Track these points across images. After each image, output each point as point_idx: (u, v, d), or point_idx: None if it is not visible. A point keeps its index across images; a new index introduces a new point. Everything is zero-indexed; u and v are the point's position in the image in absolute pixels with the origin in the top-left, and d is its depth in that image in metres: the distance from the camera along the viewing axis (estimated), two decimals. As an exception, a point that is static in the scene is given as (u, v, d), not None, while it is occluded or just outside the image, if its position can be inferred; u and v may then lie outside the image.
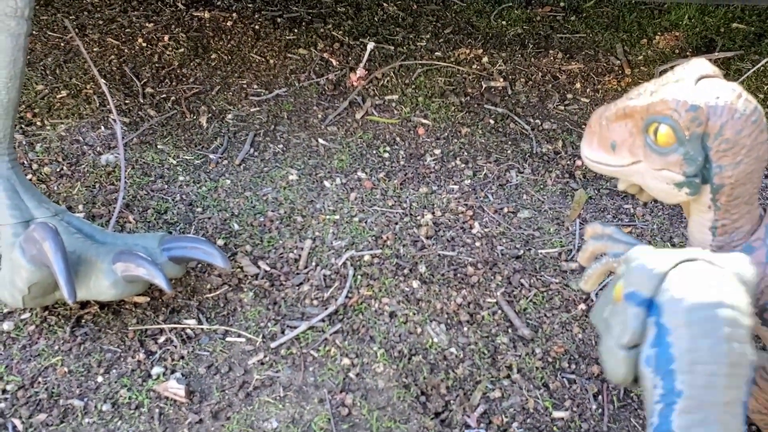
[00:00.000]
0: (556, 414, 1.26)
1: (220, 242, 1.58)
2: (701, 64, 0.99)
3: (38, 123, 1.90)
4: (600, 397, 1.29)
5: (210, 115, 1.99)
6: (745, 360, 0.79)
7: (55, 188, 1.71)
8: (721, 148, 0.95)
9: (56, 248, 1.17)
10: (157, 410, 1.24)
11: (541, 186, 1.82)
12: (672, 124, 0.95)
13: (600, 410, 1.27)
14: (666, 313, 0.80)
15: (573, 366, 1.34)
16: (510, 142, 1.97)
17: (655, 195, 1.03)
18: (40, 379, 1.28)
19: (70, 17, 2.35)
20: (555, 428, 1.24)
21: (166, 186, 1.73)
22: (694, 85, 0.96)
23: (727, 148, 0.95)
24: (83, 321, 1.39)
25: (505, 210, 1.73)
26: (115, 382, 1.28)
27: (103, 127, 1.89)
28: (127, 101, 2.00)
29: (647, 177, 1.01)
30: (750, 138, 0.94)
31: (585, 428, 1.24)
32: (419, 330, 1.42)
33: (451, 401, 1.28)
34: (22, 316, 1.39)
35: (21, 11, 1.26)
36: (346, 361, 1.34)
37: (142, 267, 1.24)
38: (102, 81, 1.92)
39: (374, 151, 1.90)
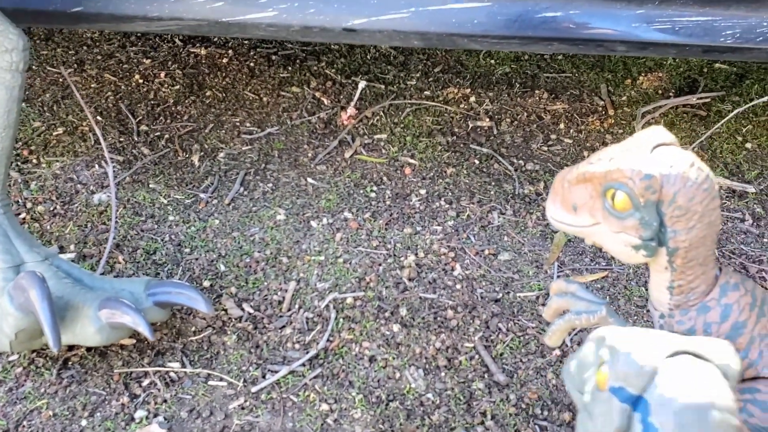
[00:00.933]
0: (526, 462, 1.29)
1: (206, 283, 1.62)
2: (658, 132, 1.04)
3: (34, 160, 1.96)
4: (570, 445, 1.33)
5: (202, 153, 2.04)
6: None
7: (48, 227, 1.75)
8: (674, 214, 0.99)
9: (42, 297, 1.22)
10: (138, 454, 1.28)
11: (522, 228, 1.86)
12: (628, 191, 0.99)
13: (569, 459, 1.30)
14: (655, 413, 0.79)
15: (546, 412, 1.38)
16: (493, 183, 2.01)
17: (615, 255, 1.07)
18: (24, 422, 1.32)
19: (70, 52, 2.41)
20: (524, 477, 1.27)
21: (156, 226, 1.78)
22: (650, 153, 1.00)
23: (681, 214, 0.99)
24: (70, 363, 1.43)
25: (486, 252, 1.78)
26: (99, 426, 1.32)
27: (97, 166, 1.94)
28: (121, 139, 2.05)
29: (606, 238, 1.05)
30: (702, 205, 0.98)
31: (554, 477, 1.27)
32: (398, 375, 1.45)
33: (425, 448, 1.32)
34: (10, 358, 1.43)
35: (16, 65, 1.32)
36: (324, 406, 1.38)
37: (127, 315, 1.28)
38: (93, 123, 1.97)
39: (361, 191, 1.95)
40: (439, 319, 1.58)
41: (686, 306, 1.06)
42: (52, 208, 1.81)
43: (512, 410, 1.38)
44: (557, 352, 1.50)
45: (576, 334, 1.55)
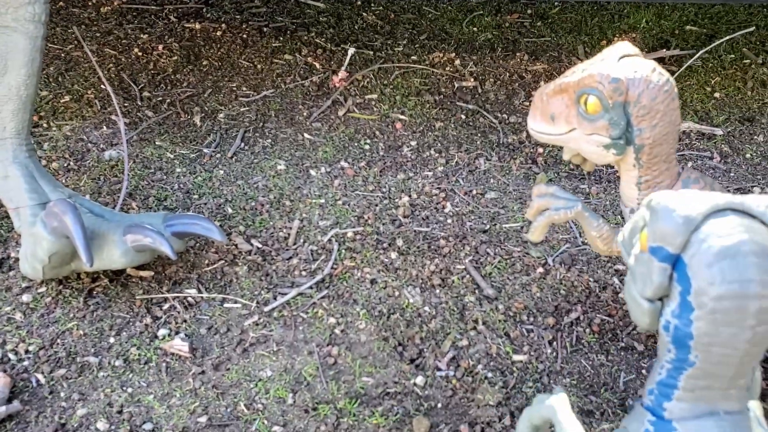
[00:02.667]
0: (516, 357, 1.43)
1: (216, 224, 1.75)
2: (624, 46, 1.18)
3: (44, 125, 2.07)
4: (554, 343, 1.46)
5: (203, 114, 2.17)
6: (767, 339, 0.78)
7: (64, 181, 1.87)
8: (639, 114, 1.13)
9: (75, 219, 1.34)
10: (164, 364, 1.40)
11: (507, 171, 2.00)
12: (598, 94, 1.13)
13: (554, 354, 1.44)
14: (693, 293, 0.78)
15: (531, 318, 1.52)
16: (479, 134, 2.15)
17: (589, 157, 1.21)
18: (58, 341, 1.44)
19: (69, 30, 2.52)
20: (515, 369, 1.41)
21: (165, 177, 1.90)
22: (617, 62, 1.15)
23: (645, 113, 1.13)
24: (95, 292, 1.55)
25: (474, 192, 1.91)
26: (126, 342, 1.44)
27: (105, 127, 2.06)
28: (126, 104, 2.17)
29: (581, 142, 1.19)
30: (663, 104, 1.13)
31: (541, 368, 1.41)
32: (397, 293, 1.58)
33: (425, 350, 1.45)
34: (39, 290, 1.54)
35: (38, 16, 1.44)
36: (332, 320, 1.51)
37: (149, 237, 1.40)
38: (105, 80, 2.08)
39: (356, 144, 2.08)
40: (432, 247, 1.71)
41: (652, 198, 1.20)
42: (65, 165, 1.92)
43: (501, 317, 1.52)
44: (540, 270, 1.64)
45: (558, 255, 1.69)
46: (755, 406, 0.88)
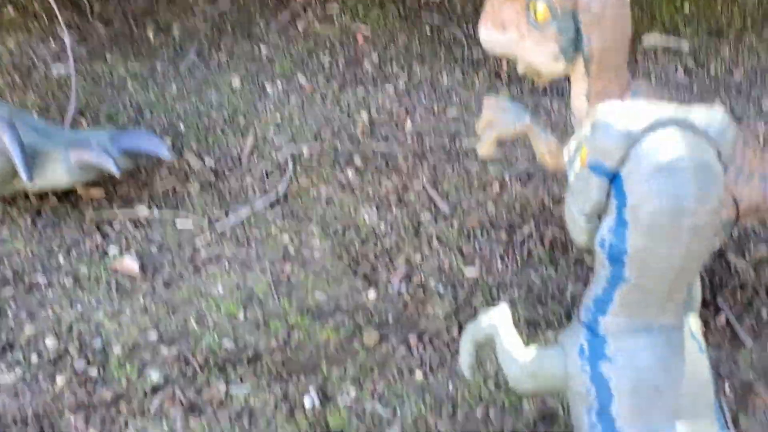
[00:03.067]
0: (468, 272, 1.44)
1: (168, 142, 1.71)
2: None
3: (-11, 39, 1.98)
4: (506, 258, 1.47)
5: (156, 28, 2.08)
6: (704, 255, 0.78)
7: (9, 98, 1.80)
8: (589, 21, 1.10)
9: (12, 136, 1.29)
10: (114, 282, 1.39)
11: (470, 86, 1.96)
12: (547, 1, 1.09)
13: (505, 268, 1.45)
14: (629, 208, 0.76)
15: (485, 234, 1.52)
16: (444, 49, 2.10)
17: (539, 68, 1.18)
18: (5, 260, 1.42)
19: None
20: (465, 283, 1.42)
21: (115, 93, 1.84)
22: (568, -33, 1.10)
23: (595, 21, 1.10)
24: (43, 212, 1.52)
25: (436, 108, 1.88)
26: (75, 261, 1.43)
27: (52, 41, 1.98)
28: (75, 18, 2.08)
29: (531, 52, 1.16)
30: (613, 12, 1.09)
31: (491, 282, 1.42)
32: (353, 212, 1.57)
33: (378, 266, 1.45)
34: (-15, 209, 1.51)
35: None
36: (285, 238, 1.50)
37: (94, 154, 1.37)
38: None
39: (314, 58, 2.02)
40: (390, 165, 1.69)
41: (602, 110, 1.18)
42: (11, 81, 1.85)
43: (455, 234, 1.52)
44: (497, 186, 1.63)
45: (515, 172, 1.68)
46: (692, 320, 0.88)
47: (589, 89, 1.17)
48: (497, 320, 0.96)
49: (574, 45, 1.12)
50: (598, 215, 0.81)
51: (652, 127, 0.76)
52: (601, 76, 1.15)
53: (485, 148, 1.23)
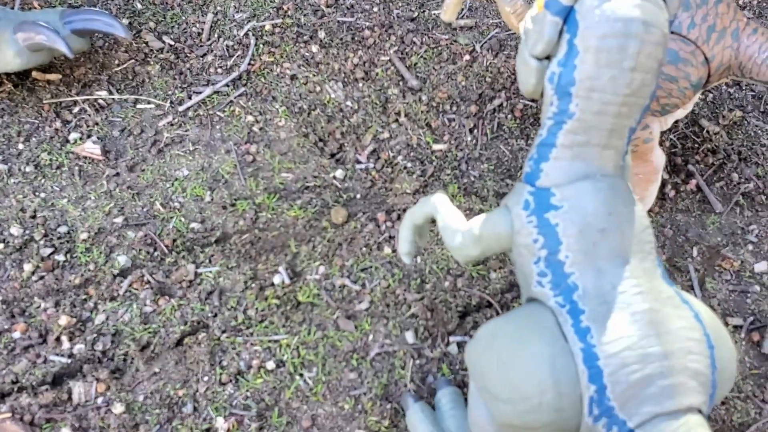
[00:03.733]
0: (436, 146, 1.42)
1: (125, 21, 1.63)
2: None
3: None
4: (475, 131, 1.45)
5: None
6: (645, 90, 0.81)
7: (-46, -21, 1.70)
8: None
9: (-49, 17, 1.23)
10: (76, 168, 1.37)
11: (440, -48, 1.86)
12: None
13: (474, 141, 1.43)
14: (579, 35, 0.79)
15: (454, 108, 1.48)
16: None
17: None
18: (-36, 149, 1.38)
19: None
20: (434, 158, 1.40)
21: (66, -29, 1.74)
22: None
23: None
24: (-1, 99, 1.47)
25: (404, -23, 1.79)
26: (36, 148, 1.39)
27: None
28: None
29: None
30: None
31: (460, 156, 1.40)
32: (318, 89, 1.53)
33: (345, 144, 1.43)
34: (-61, 98, 1.46)
35: None
36: (250, 118, 1.46)
37: (42, 34, 1.30)
38: None
39: (276, -72, 1.90)
40: (356, 38, 1.63)
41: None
42: (-45, -39, 1.74)
43: (424, 108, 1.48)
44: (467, 57, 1.58)
45: (486, 42, 1.62)
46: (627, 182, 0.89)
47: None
48: (436, 200, 0.96)
49: None
50: (548, 57, 0.83)
51: None
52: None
53: (449, 12, 1.17)
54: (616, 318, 0.81)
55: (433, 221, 1.01)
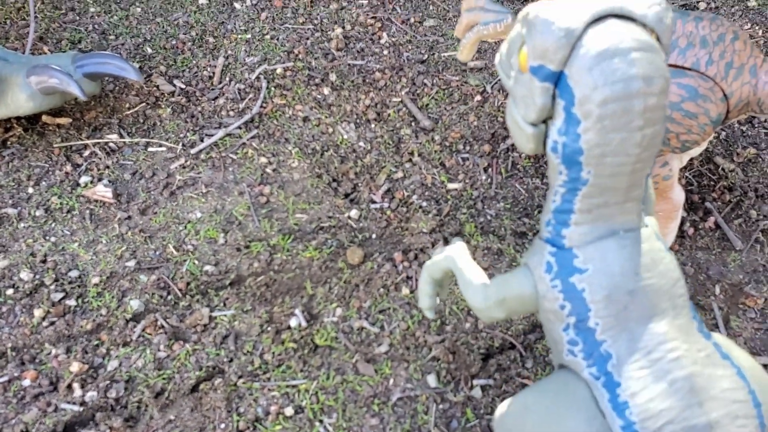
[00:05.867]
0: (451, 185, 1.40)
1: (135, 65, 1.63)
2: None
3: (-62, -35, 1.87)
4: (489, 170, 1.44)
5: (115, -53, 1.97)
6: (657, 140, 0.75)
7: (-35, 26, 1.71)
8: None
9: (-34, 61, 1.22)
10: (87, 212, 1.35)
11: (447, -4, 1.88)
12: None
13: (489, 180, 1.42)
14: (577, 103, 0.72)
15: (468, 147, 1.48)
16: (418, -42, 2.00)
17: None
18: (-27, 194, 1.36)
19: None
20: (449, 197, 1.39)
21: (77, 17, 1.75)
22: None
23: None
24: (9, 143, 1.46)
25: (412, 20, 1.81)
26: (46, 192, 1.37)
27: (5, -36, 1.87)
28: (28, -62, 1.96)
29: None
30: None
31: (475, 195, 1.39)
32: (330, 130, 1.52)
33: (359, 184, 1.41)
34: (-52, 142, 1.45)
35: None
36: (263, 159, 1.45)
37: (55, 78, 1.30)
38: None
39: (284, -26, 1.92)
40: (367, 81, 1.63)
41: None
42: (-35, 9, 1.75)
43: (437, 148, 1.47)
44: (478, 98, 1.58)
45: (497, 82, 1.63)
46: (652, 221, 0.85)
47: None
48: (454, 253, 0.91)
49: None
50: (544, 120, 0.77)
51: (592, 20, 0.72)
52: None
53: (465, 51, 1.17)
54: (655, 389, 0.76)
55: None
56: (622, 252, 0.79)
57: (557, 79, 0.73)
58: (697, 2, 1.88)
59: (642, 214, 0.83)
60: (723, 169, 1.48)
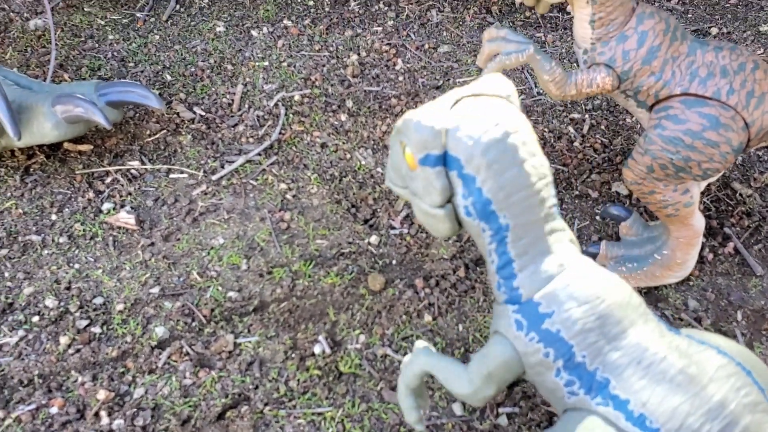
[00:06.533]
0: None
1: (156, 93, 1.65)
2: None
3: (-41, -6, 1.89)
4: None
5: (133, -25, 2.00)
6: (544, 167, 0.84)
7: (-14, 54, 1.73)
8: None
9: (-5, 92, 1.24)
10: (111, 238, 1.36)
11: (460, 22, 1.91)
12: None
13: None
14: (466, 165, 0.81)
15: (487, 173, 1.49)
16: (431, -15, 2.03)
17: (542, -5, 1.13)
18: (-3, 221, 1.38)
19: None
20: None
21: (96, 45, 1.77)
22: None
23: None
24: (31, 170, 1.47)
25: (426, 46, 1.83)
26: (69, 219, 1.39)
27: (25, -7, 1.90)
28: (47, -33, 1.99)
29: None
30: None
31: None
32: (348, 156, 1.54)
33: (378, 210, 1.42)
34: (-28, 170, 1.46)
35: None
36: (282, 186, 1.46)
37: (80, 107, 1.32)
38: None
39: (299, 0, 1.95)
40: (384, 107, 1.65)
41: (607, 38, 1.15)
42: (-14, 37, 1.78)
43: (457, 173, 1.49)
44: (496, 123, 1.60)
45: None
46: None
47: (593, 16, 1.13)
48: (421, 356, 0.94)
49: (578, -32, 1.08)
50: (448, 200, 0.85)
51: (456, 103, 0.85)
52: (606, 2, 1.11)
53: (484, 57, 1.19)
54: (661, 392, 0.81)
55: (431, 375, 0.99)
56: (576, 283, 0.84)
57: (444, 160, 0.83)
58: (709, 28, 1.91)
59: (572, 247, 0.88)
60: (740, 195, 1.49)
